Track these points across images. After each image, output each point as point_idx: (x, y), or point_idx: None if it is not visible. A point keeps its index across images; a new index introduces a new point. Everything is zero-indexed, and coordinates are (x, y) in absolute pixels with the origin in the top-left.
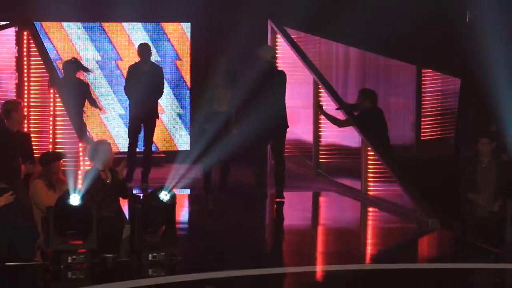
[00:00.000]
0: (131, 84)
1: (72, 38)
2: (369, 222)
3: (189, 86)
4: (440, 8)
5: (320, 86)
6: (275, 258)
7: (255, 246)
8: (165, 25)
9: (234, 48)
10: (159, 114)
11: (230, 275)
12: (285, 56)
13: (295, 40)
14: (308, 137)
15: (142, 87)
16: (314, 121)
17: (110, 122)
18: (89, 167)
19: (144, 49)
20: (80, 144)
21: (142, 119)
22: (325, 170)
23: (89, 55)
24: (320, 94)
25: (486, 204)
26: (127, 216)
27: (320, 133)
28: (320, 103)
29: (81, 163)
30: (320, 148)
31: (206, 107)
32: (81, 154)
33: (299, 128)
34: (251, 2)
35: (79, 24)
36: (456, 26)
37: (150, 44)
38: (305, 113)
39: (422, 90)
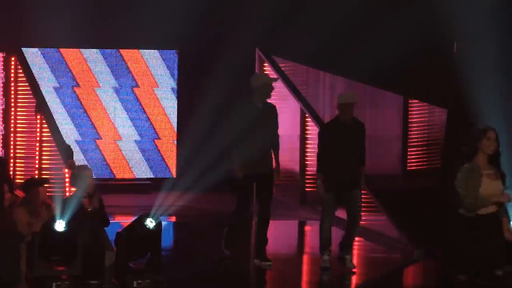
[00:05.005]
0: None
1: (89, 63)
2: (354, 252)
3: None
4: (427, 39)
5: (307, 115)
6: (260, 286)
7: (240, 274)
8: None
9: (221, 76)
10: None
11: None
12: None
13: (282, 69)
14: (294, 166)
15: (257, 131)
16: (300, 150)
17: (126, 148)
18: (71, 193)
19: (262, 82)
20: (65, 170)
21: (255, 175)
22: (310, 199)
23: (106, 82)
24: (307, 123)
25: None
26: (112, 243)
27: (306, 162)
28: None
29: (67, 188)
30: (306, 177)
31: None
32: (67, 179)
33: (285, 157)
34: (239, 31)
35: (96, 50)
36: (443, 57)
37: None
38: (291, 142)
39: (409, 120)
